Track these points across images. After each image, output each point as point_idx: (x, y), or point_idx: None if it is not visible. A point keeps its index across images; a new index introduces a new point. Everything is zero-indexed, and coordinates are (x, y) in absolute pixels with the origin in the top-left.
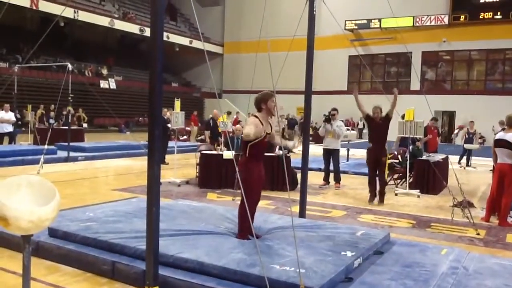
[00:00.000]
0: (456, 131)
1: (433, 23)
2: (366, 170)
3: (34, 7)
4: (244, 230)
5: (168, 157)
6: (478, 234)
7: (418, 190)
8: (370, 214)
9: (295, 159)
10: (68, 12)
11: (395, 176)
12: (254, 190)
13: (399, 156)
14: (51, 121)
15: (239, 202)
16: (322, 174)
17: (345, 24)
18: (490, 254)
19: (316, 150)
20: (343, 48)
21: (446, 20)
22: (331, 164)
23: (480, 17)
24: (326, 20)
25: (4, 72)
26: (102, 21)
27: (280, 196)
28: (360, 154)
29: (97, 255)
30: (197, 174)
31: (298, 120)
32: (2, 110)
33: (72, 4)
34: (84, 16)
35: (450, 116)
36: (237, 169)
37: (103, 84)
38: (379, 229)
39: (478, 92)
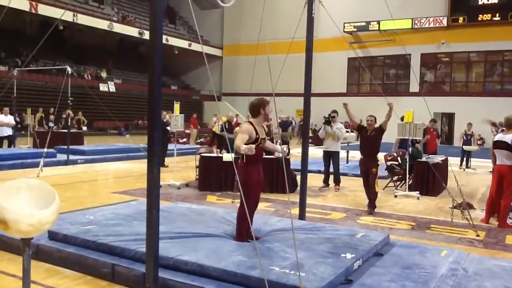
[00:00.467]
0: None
1: (431, 25)
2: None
3: (33, 11)
4: (243, 232)
5: (167, 160)
6: (477, 235)
7: (417, 192)
8: (370, 216)
9: (295, 161)
10: (68, 16)
11: (395, 178)
12: (253, 193)
13: (399, 158)
14: (51, 124)
15: (238, 205)
16: (322, 176)
17: (344, 26)
18: (489, 256)
19: (315, 152)
20: (342, 50)
21: (444, 22)
22: (331, 166)
23: (479, 19)
24: (325, 23)
25: (4, 76)
26: (101, 24)
27: (279, 198)
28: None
29: (97, 258)
30: (197, 176)
31: (297, 122)
32: (2, 113)
33: (71, 8)
34: (83, 20)
35: (449, 117)
36: (236, 172)
37: (103, 87)
38: (378, 231)
39: (477, 93)
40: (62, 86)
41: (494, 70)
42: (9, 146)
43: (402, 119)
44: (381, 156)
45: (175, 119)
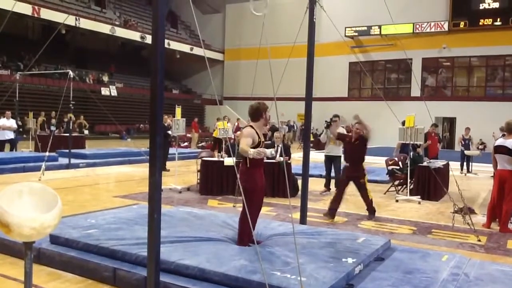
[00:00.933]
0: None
1: (433, 29)
2: (367, 176)
3: (36, 15)
4: (244, 237)
5: (169, 164)
6: (479, 240)
7: (419, 197)
8: (371, 221)
9: (296, 166)
10: (70, 20)
11: (396, 182)
12: (257, 197)
13: (400, 163)
14: (52, 128)
15: (240, 209)
16: (323, 180)
17: (345, 31)
18: (491, 261)
19: (316, 157)
20: (344, 54)
21: (446, 26)
22: (332, 170)
23: (480, 23)
24: (326, 27)
25: (6, 80)
26: (103, 28)
27: (281, 202)
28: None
29: (98, 262)
30: (198, 180)
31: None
32: (4, 117)
33: (73, 12)
34: (86, 24)
35: (450, 122)
36: (238, 176)
37: (104, 91)
38: (380, 236)
39: (479, 98)
40: (64, 90)
41: (496, 75)
42: (11, 149)
43: (403, 123)
44: (381, 160)
45: (176, 123)
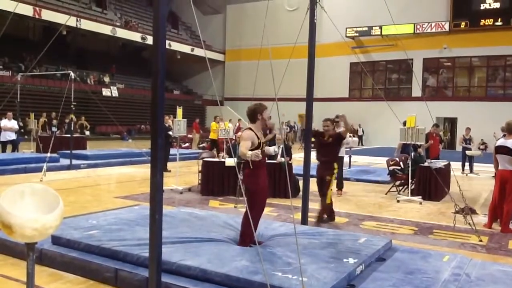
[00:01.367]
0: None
1: (433, 30)
2: (368, 177)
3: (37, 16)
4: (246, 238)
5: (170, 165)
6: (480, 240)
7: (420, 197)
8: (372, 221)
9: (297, 166)
10: (71, 21)
11: (397, 182)
12: (260, 198)
13: (401, 163)
14: (54, 129)
15: (241, 210)
16: None
17: (346, 31)
18: (492, 261)
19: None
20: (344, 55)
21: (446, 27)
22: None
23: (481, 23)
24: (327, 28)
25: (7, 81)
26: (104, 29)
27: (282, 203)
28: (362, 161)
29: (100, 263)
30: (199, 181)
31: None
32: (5, 118)
33: (74, 13)
34: (86, 25)
35: (451, 122)
36: (239, 176)
37: (105, 92)
38: (381, 236)
39: (479, 98)
40: (65, 91)
41: (497, 75)
42: (12, 150)
43: (404, 124)
44: (382, 160)
45: (177, 124)
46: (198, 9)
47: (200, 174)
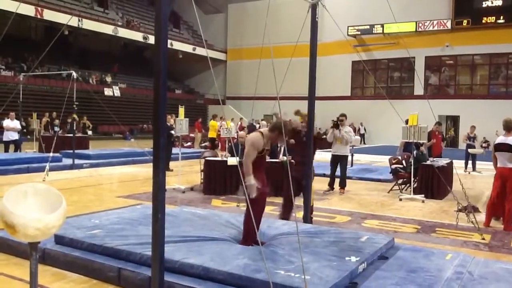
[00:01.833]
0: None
1: (435, 28)
2: (371, 175)
3: (39, 16)
4: (248, 238)
5: (172, 164)
6: (483, 239)
7: (422, 195)
8: (375, 219)
9: None
10: (73, 21)
11: (400, 181)
12: (261, 199)
13: (403, 161)
14: (56, 129)
15: (243, 209)
16: (327, 179)
17: (348, 30)
18: (495, 259)
19: (318, 156)
20: (346, 53)
21: (448, 25)
22: (338, 170)
23: (483, 21)
24: (329, 26)
25: (10, 81)
26: (106, 29)
27: None
28: (364, 159)
29: (103, 262)
30: (202, 180)
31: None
32: (8, 118)
33: (76, 13)
34: (88, 25)
35: (454, 120)
36: (242, 176)
37: (107, 91)
38: (383, 234)
39: (482, 96)
40: (67, 91)
41: (499, 73)
42: (15, 150)
43: (406, 122)
44: (385, 159)
45: (179, 123)
46: (200, 9)
47: (202, 173)
